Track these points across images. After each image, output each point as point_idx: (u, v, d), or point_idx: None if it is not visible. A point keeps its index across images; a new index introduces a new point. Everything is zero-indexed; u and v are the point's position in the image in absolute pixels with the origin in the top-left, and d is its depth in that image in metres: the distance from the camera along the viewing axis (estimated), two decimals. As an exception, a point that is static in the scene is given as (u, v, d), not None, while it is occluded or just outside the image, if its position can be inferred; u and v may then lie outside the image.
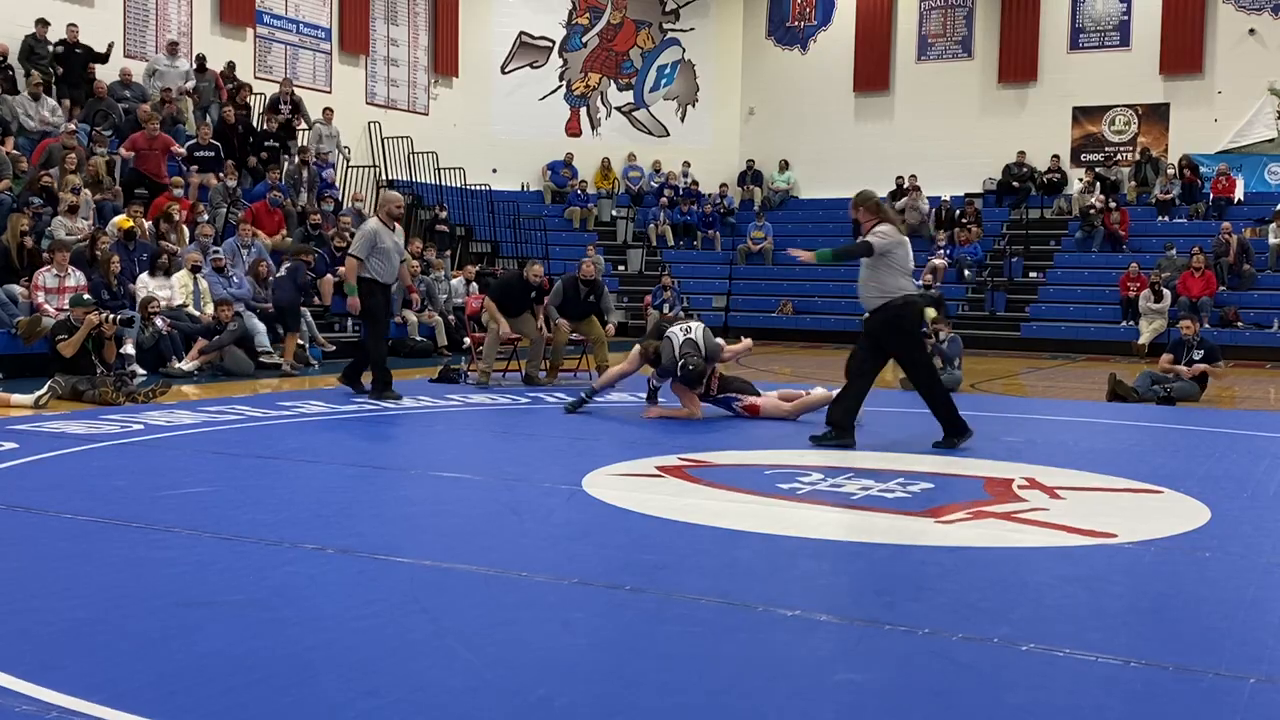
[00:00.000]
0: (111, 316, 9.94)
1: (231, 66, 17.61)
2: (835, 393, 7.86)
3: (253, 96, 17.53)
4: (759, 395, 9.09)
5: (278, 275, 12.91)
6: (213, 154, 15.75)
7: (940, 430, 7.49)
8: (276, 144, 17.05)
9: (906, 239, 7.54)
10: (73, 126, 14.26)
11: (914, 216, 21.74)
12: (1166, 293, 17.65)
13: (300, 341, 12.96)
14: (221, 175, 15.48)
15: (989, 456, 7.17)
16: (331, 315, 14.34)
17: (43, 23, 15.10)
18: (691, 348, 8.67)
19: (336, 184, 18.14)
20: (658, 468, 6.52)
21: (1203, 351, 11.03)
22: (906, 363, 7.65)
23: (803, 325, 20.17)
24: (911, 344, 7.55)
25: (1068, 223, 21.40)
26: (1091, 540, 4.85)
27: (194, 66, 16.91)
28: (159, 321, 11.50)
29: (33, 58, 14.95)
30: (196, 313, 12.23)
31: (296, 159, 16.82)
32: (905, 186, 22.25)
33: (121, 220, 12.59)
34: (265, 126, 17.11)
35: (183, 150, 15.02)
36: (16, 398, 8.73)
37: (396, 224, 9.98)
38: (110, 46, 15.76)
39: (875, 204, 7.63)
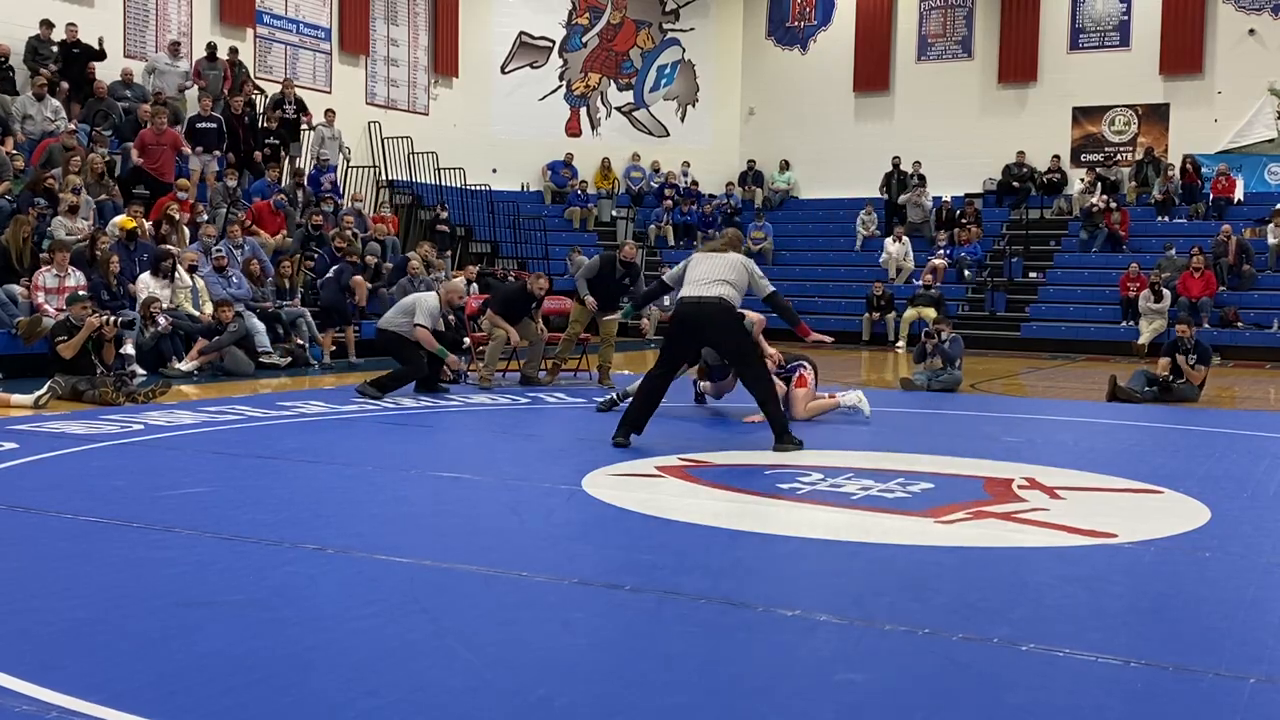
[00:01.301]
0: (113, 319, 9.93)
1: (235, 51, 17.57)
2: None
3: (257, 95, 17.51)
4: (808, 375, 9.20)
5: (325, 276, 13.49)
6: (214, 125, 15.72)
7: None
8: (278, 141, 17.05)
9: (701, 256, 7.59)
10: (73, 126, 14.26)
11: (916, 214, 21.71)
12: (1166, 293, 17.64)
13: (300, 342, 12.99)
14: (222, 175, 15.48)
15: (989, 456, 7.17)
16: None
17: (47, 24, 15.09)
18: None
19: (338, 185, 18.10)
20: (658, 468, 6.52)
21: (1195, 355, 11.04)
22: None
23: (803, 325, 20.14)
24: (670, 346, 7.63)
25: (1068, 223, 21.39)
26: (1091, 540, 4.85)
27: (205, 55, 16.89)
28: (161, 320, 11.49)
29: (36, 58, 14.94)
30: (195, 313, 12.23)
31: (293, 177, 16.78)
32: (903, 173, 22.25)
33: (124, 220, 12.58)
34: (267, 124, 17.10)
35: (189, 151, 14.97)
36: (16, 398, 8.73)
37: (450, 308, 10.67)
38: (101, 40, 15.68)
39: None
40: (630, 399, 9.24)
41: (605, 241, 22.36)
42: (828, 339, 8.40)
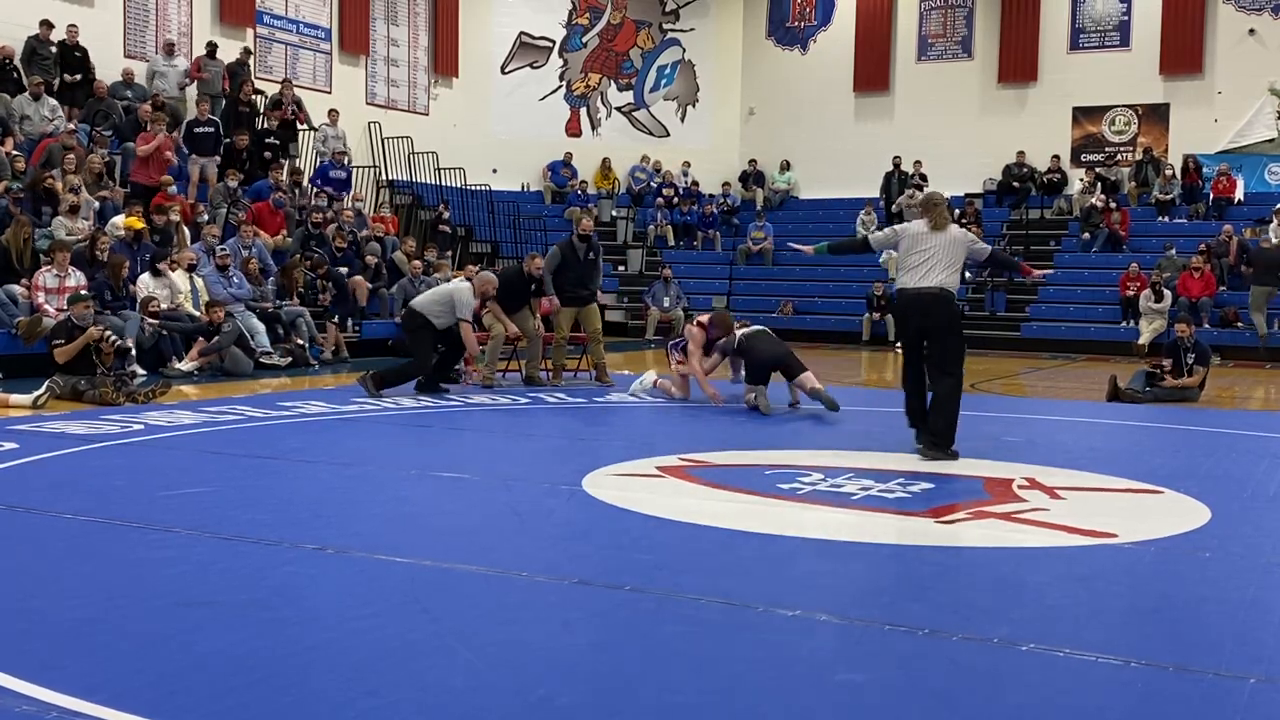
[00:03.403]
0: (112, 337, 9.84)
1: (247, 52, 17.57)
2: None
3: (256, 96, 17.48)
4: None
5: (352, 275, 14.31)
6: (211, 130, 15.68)
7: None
8: (279, 142, 17.03)
9: (919, 232, 7.34)
10: (72, 126, 14.25)
11: (911, 215, 21.65)
12: (1167, 293, 17.63)
13: (300, 342, 13.00)
14: (223, 175, 15.46)
15: (989, 456, 7.17)
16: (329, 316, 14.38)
17: (46, 24, 15.08)
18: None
19: (348, 183, 18.06)
20: (658, 468, 6.52)
21: (1194, 355, 11.05)
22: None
23: (803, 325, 20.15)
24: (901, 337, 7.78)
25: (1068, 223, 21.38)
26: (1091, 540, 4.85)
27: (205, 52, 16.89)
28: (146, 320, 11.45)
29: (34, 59, 14.93)
30: (196, 312, 12.22)
31: (292, 176, 16.74)
32: (904, 173, 22.18)
33: (133, 220, 12.57)
34: (266, 124, 17.07)
35: (174, 160, 14.88)
36: (15, 398, 8.72)
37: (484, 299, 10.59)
38: (80, 45, 15.52)
39: (922, 204, 7.78)
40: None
41: (605, 242, 22.35)
42: (1047, 271, 8.85)
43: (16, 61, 14.81)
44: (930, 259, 7.19)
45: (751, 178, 24.44)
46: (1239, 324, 17.64)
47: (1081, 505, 5.67)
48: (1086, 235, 20.55)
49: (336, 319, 14.10)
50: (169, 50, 16.67)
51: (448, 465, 6.60)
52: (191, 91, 16.80)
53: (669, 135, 25.05)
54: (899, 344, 8.02)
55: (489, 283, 10.61)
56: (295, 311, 13.36)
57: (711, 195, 23.82)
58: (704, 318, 9.99)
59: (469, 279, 10.86)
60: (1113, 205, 20.56)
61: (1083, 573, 4.34)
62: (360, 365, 13.21)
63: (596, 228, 22.60)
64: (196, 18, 17.77)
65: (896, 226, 7.78)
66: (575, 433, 8.31)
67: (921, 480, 6.17)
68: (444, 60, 22.31)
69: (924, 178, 22.13)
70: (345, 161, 17.77)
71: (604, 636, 3.54)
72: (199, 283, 12.58)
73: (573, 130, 24.41)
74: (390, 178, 20.37)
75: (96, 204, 13.19)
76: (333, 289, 14.31)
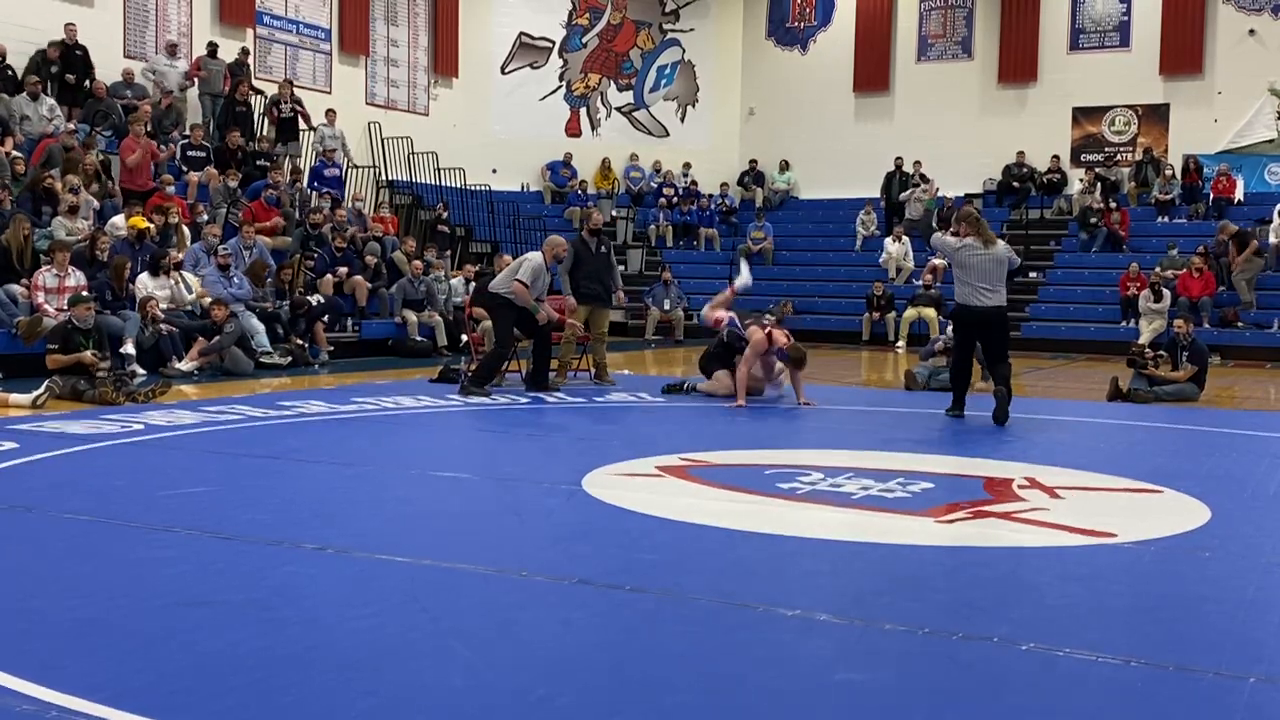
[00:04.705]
0: (105, 365, 9.74)
1: (245, 52, 17.57)
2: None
3: (254, 96, 17.46)
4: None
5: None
6: (203, 154, 15.69)
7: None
8: (280, 149, 17.01)
9: (973, 249, 8.50)
10: (72, 126, 14.23)
11: (916, 209, 21.61)
12: (1166, 293, 17.63)
13: (300, 342, 13.00)
14: (223, 175, 15.46)
15: (989, 456, 7.17)
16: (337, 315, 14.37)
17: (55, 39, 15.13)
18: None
19: (342, 182, 18.05)
20: (658, 468, 6.52)
21: (1188, 353, 11.06)
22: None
23: (803, 325, 20.12)
24: (963, 342, 8.87)
25: (1068, 223, 21.38)
26: (1091, 540, 4.85)
27: (206, 52, 16.88)
28: (162, 326, 11.44)
29: (40, 58, 14.94)
30: (192, 297, 12.22)
31: (292, 175, 16.72)
32: (905, 173, 22.14)
33: (136, 220, 12.56)
34: (259, 145, 17.02)
35: (165, 155, 14.84)
36: (15, 398, 8.72)
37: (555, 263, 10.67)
38: (73, 35, 15.59)
39: (965, 220, 8.95)
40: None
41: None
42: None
43: (17, 60, 14.80)
44: (989, 275, 8.39)
45: (751, 178, 24.43)
46: (1239, 324, 17.65)
47: (1081, 505, 5.67)
48: (1085, 235, 20.55)
49: (325, 319, 14.06)
50: (171, 51, 16.67)
51: (448, 465, 6.60)
52: (193, 93, 16.79)
53: (669, 135, 25.05)
54: (950, 344, 8.90)
55: (558, 245, 10.54)
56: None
57: (710, 195, 23.82)
58: (778, 332, 9.70)
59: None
60: (1112, 205, 20.56)
61: (1083, 573, 4.34)
62: (359, 365, 13.23)
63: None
64: (196, 18, 17.76)
65: (953, 241, 8.77)
66: (575, 433, 8.30)
67: (921, 480, 6.17)
68: (444, 60, 22.30)
69: (924, 178, 22.13)
70: (337, 159, 17.74)
71: (604, 636, 3.54)
72: (193, 281, 12.58)
73: (572, 130, 24.41)
74: (390, 178, 20.37)
75: (96, 204, 13.20)
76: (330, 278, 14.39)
